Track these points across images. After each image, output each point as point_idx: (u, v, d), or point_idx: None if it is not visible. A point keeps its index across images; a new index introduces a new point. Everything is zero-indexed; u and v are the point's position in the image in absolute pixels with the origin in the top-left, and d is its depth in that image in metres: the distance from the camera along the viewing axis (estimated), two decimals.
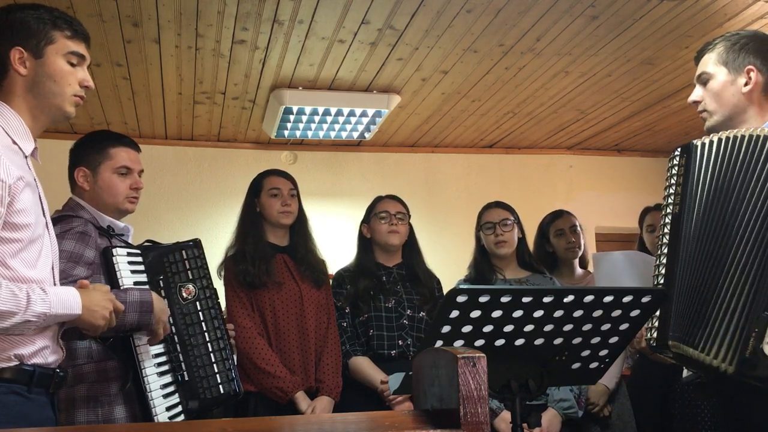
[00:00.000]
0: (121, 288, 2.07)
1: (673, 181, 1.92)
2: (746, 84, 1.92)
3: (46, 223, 1.78)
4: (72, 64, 1.78)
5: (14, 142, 1.71)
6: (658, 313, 1.85)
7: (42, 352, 1.70)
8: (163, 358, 2.13)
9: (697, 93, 2.01)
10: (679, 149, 1.94)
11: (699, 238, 1.83)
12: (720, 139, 1.84)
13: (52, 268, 1.78)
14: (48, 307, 1.62)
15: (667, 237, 1.90)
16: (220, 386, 2.23)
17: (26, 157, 1.75)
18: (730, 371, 1.70)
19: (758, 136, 1.78)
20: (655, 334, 1.86)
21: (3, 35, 1.72)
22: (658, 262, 1.91)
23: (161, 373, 2.10)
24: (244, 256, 2.80)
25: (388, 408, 2.75)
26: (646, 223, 3.37)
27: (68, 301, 1.68)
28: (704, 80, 1.99)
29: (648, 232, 3.32)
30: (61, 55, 1.76)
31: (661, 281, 1.88)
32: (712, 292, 1.77)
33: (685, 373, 2.01)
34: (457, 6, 3.02)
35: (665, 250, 1.90)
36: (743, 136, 1.80)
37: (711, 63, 1.98)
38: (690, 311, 1.81)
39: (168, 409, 2.07)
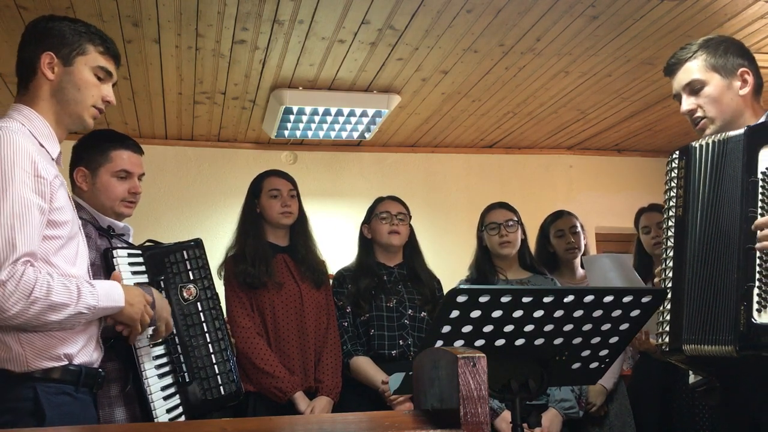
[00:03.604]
0: None
1: (673, 184, 1.91)
2: (742, 87, 1.91)
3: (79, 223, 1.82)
4: (99, 78, 1.83)
5: (41, 145, 1.73)
6: (667, 317, 1.84)
7: (86, 350, 1.74)
8: (164, 360, 2.12)
9: (690, 102, 1.96)
10: (677, 152, 1.92)
11: (705, 241, 1.81)
12: (714, 142, 1.84)
13: (88, 267, 1.83)
14: (96, 299, 1.67)
15: (672, 240, 1.88)
16: (222, 387, 2.23)
17: (53, 159, 1.78)
18: (733, 353, 1.69)
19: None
20: (666, 339, 1.84)
21: (37, 40, 1.78)
22: (664, 266, 1.89)
23: (162, 375, 2.09)
24: (245, 256, 2.80)
25: (388, 408, 2.75)
26: (641, 224, 3.36)
27: (113, 294, 1.74)
28: (696, 88, 1.95)
29: (644, 234, 3.32)
30: (90, 67, 1.81)
31: (669, 284, 1.86)
32: (719, 290, 1.76)
33: (692, 378, 1.98)
34: (457, 6, 3.02)
35: (671, 254, 1.88)
36: (738, 134, 1.80)
37: (698, 70, 1.94)
38: (702, 312, 1.79)
39: (169, 411, 2.06)
